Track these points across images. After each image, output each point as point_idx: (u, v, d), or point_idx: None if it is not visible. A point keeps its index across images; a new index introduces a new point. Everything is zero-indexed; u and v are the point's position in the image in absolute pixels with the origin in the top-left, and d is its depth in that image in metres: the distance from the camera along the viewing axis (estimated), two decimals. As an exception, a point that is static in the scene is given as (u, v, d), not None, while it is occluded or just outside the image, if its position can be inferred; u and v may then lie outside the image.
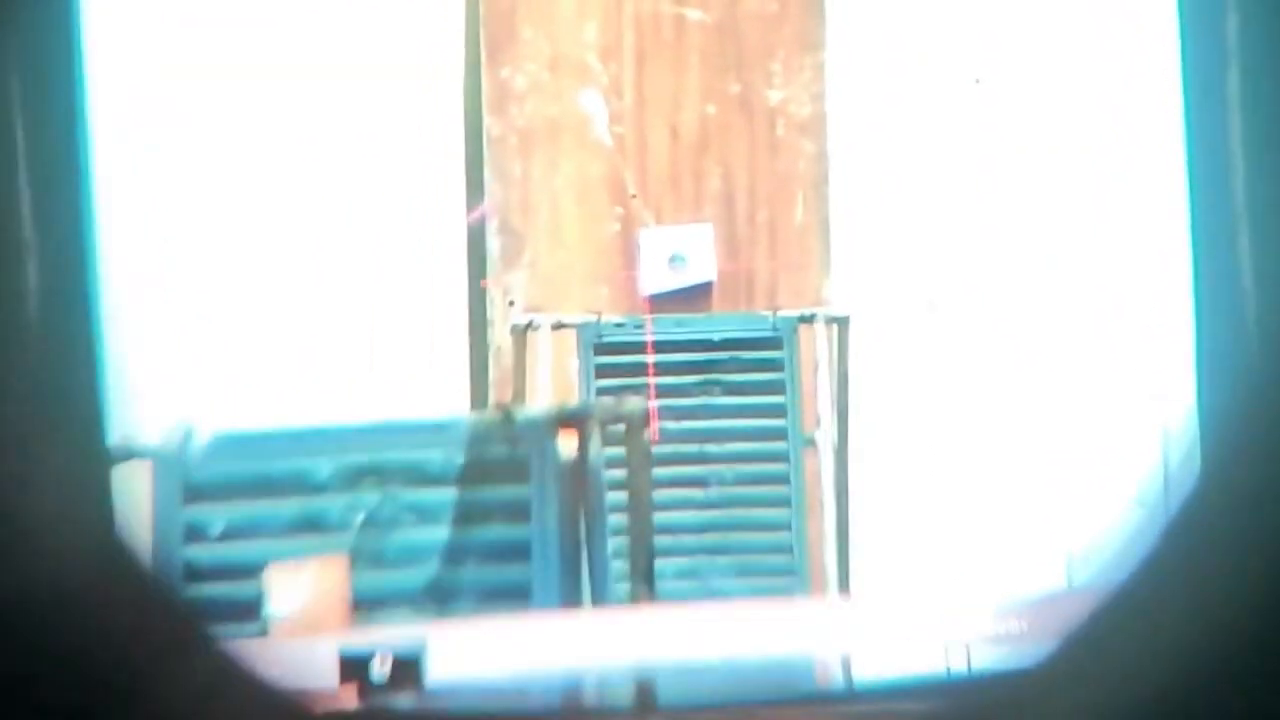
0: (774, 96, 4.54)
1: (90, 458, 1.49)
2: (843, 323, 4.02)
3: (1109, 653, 1.40)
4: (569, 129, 4.57)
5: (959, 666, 2.08)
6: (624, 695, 2.16)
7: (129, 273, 4.10)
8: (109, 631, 1.42)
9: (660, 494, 3.58)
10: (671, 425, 3.91)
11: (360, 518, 2.70)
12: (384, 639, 1.98)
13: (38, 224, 1.43)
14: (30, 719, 1.39)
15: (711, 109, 4.56)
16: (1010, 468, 4.44)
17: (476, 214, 4.52)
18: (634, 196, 4.56)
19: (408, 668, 1.91)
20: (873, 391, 4.32)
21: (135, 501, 2.51)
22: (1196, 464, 1.56)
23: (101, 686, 1.40)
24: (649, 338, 4.03)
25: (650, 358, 4.00)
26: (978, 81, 4.50)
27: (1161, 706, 1.38)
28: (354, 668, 1.90)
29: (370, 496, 2.71)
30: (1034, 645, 2.03)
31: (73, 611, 1.40)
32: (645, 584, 2.82)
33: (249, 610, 2.53)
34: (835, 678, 2.25)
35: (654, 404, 3.83)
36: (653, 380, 3.97)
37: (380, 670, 1.90)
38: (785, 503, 3.87)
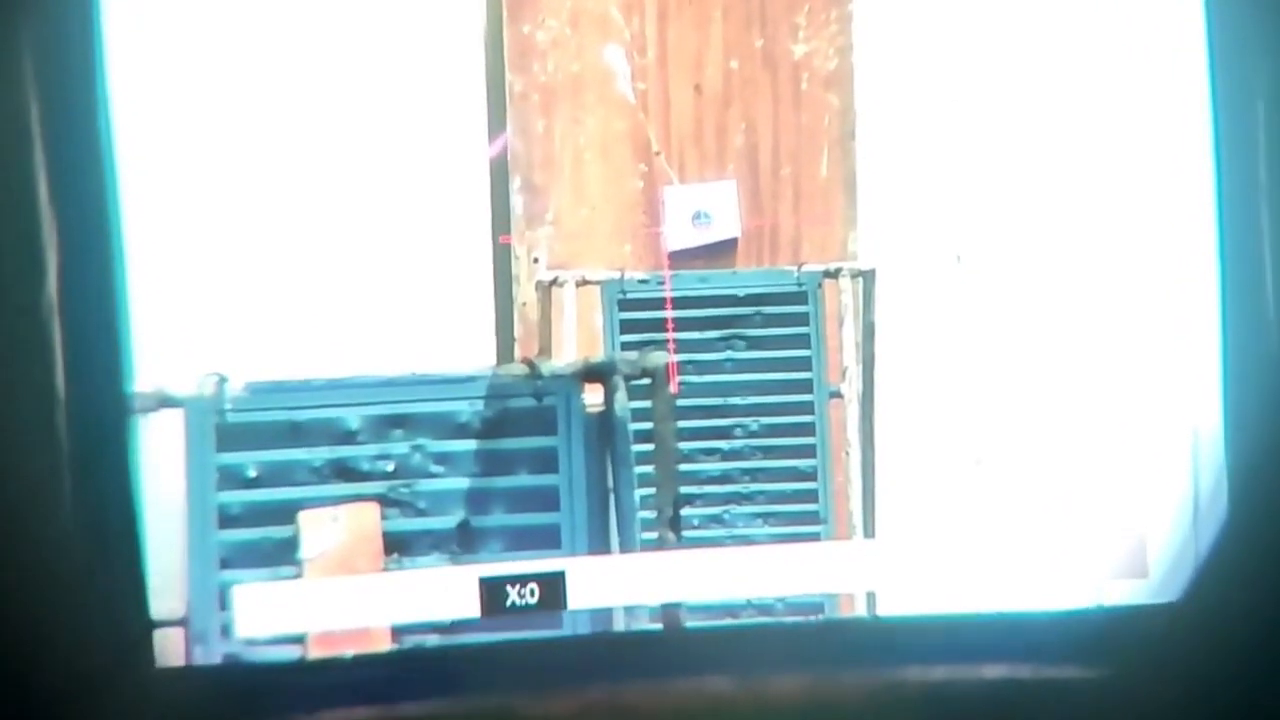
0: (799, 50, 4.53)
1: (114, 409, 1.50)
2: (868, 276, 4.03)
3: (1240, 588, 1.41)
4: (591, 85, 4.57)
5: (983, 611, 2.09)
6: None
7: (164, 226, 4.12)
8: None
9: (686, 445, 3.61)
10: (695, 378, 3.93)
11: (390, 466, 2.72)
12: (523, 567, 2.00)
13: (62, 176, 1.44)
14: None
15: (735, 64, 4.55)
16: (1035, 419, 4.45)
17: (497, 145, 4.52)
18: (657, 153, 4.56)
19: (552, 591, 1.92)
20: (898, 343, 4.33)
21: (169, 447, 2.53)
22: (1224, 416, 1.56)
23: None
24: (673, 294, 4.05)
25: (674, 313, 4.01)
26: (1005, 33, 4.49)
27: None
28: (493, 593, 1.91)
29: (399, 446, 2.73)
30: (1066, 586, 2.04)
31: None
32: (672, 531, 2.84)
33: (282, 553, 2.56)
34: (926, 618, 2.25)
35: (677, 358, 3.85)
36: (676, 335, 3.98)
37: (522, 596, 1.91)
38: (811, 452, 3.89)
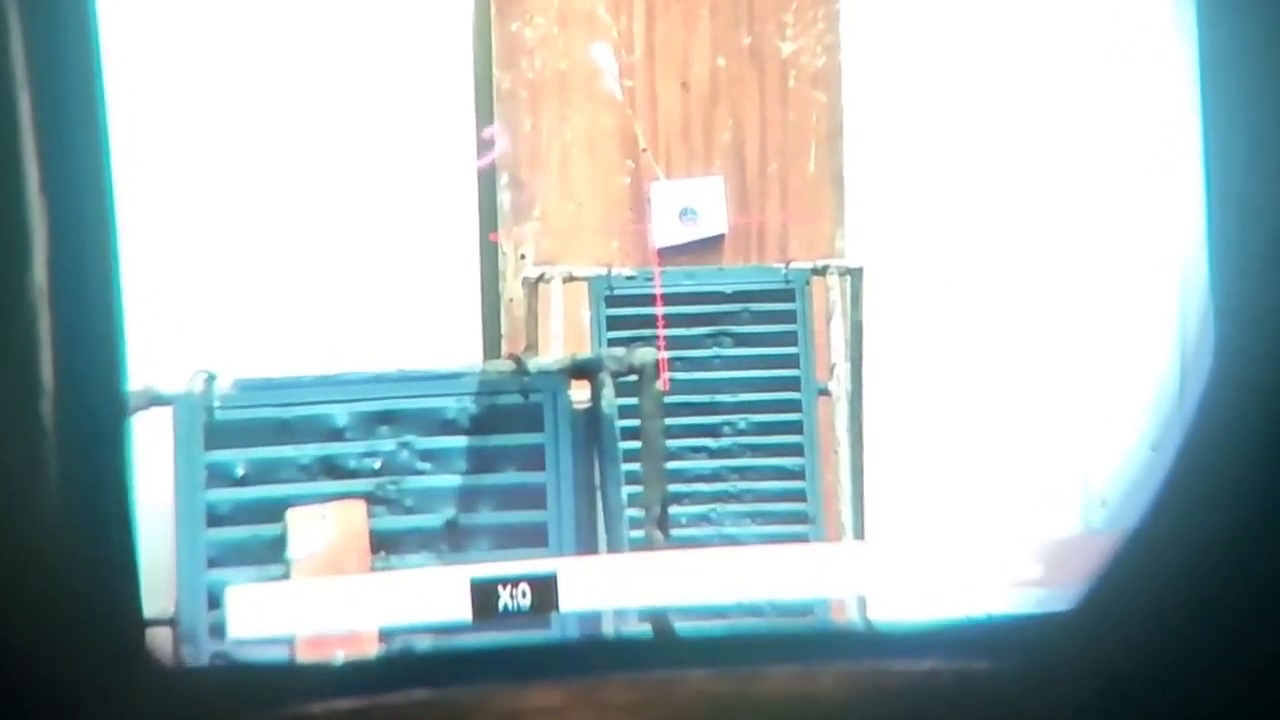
0: (786, 48, 4.53)
1: (109, 409, 1.49)
2: (856, 274, 4.02)
3: (1135, 595, 1.41)
4: (579, 82, 4.57)
5: (975, 611, 2.08)
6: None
7: (152, 224, 4.11)
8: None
9: (674, 443, 3.60)
10: (683, 375, 3.92)
11: (377, 464, 2.72)
12: (515, 569, 1.98)
13: (55, 173, 1.43)
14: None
15: (722, 61, 4.55)
16: (1023, 415, 4.46)
17: (487, 158, 4.52)
18: (644, 150, 4.56)
19: (544, 593, 1.91)
20: (886, 340, 4.33)
21: (157, 446, 2.52)
22: (1215, 406, 1.56)
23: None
24: (660, 290, 4.04)
25: (661, 310, 4.00)
26: (993, 30, 4.49)
27: (1182, 651, 1.39)
28: (484, 595, 1.89)
29: (386, 443, 2.73)
30: (1051, 589, 2.05)
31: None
32: (660, 530, 2.83)
33: (270, 552, 2.55)
34: (854, 625, 2.26)
35: (665, 354, 3.84)
36: (664, 332, 3.97)
37: (513, 599, 1.90)
38: (799, 451, 3.88)
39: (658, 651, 1.65)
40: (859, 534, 3.87)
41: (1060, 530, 4.18)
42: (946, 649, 1.51)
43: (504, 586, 1.93)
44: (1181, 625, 1.38)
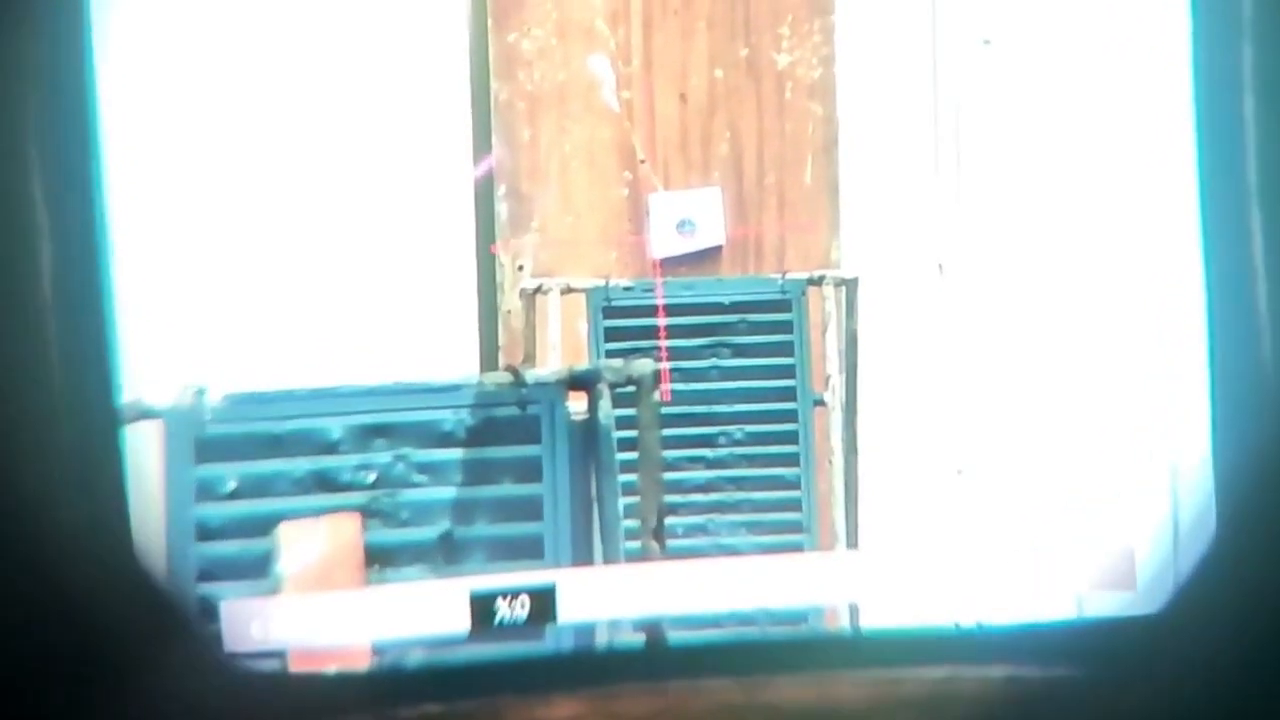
0: (782, 60, 4.54)
1: (101, 423, 1.49)
2: (851, 285, 4.03)
3: (1222, 599, 1.40)
4: (577, 94, 4.58)
5: (969, 622, 2.08)
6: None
7: (141, 235, 4.11)
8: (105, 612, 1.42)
9: (671, 453, 3.60)
10: (681, 386, 3.93)
11: (372, 477, 2.71)
12: (513, 580, 1.97)
13: (48, 185, 1.43)
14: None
15: (720, 73, 4.56)
16: (1017, 425, 4.45)
17: (483, 166, 4.53)
18: (642, 161, 4.57)
19: (542, 605, 1.90)
20: (881, 352, 4.33)
21: (147, 460, 2.52)
22: (1207, 422, 1.55)
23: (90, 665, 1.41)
24: (658, 301, 4.04)
25: (660, 321, 4.01)
26: (987, 43, 4.50)
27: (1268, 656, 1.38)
28: (483, 607, 1.89)
29: (381, 456, 2.71)
30: (1046, 597, 2.04)
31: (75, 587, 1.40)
32: (656, 541, 2.82)
33: (262, 566, 2.54)
34: (942, 628, 2.23)
35: (663, 365, 3.84)
36: (662, 343, 3.98)
37: (511, 611, 1.89)
38: (795, 461, 3.88)
39: (677, 661, 1.65)
40: (852, 543, 3.88)
41: (1054, 539, 4.18)
42: (1020, 653, 1.49)
43: (503, 599, 1.92)
44: (1270, 630, 1.37)
